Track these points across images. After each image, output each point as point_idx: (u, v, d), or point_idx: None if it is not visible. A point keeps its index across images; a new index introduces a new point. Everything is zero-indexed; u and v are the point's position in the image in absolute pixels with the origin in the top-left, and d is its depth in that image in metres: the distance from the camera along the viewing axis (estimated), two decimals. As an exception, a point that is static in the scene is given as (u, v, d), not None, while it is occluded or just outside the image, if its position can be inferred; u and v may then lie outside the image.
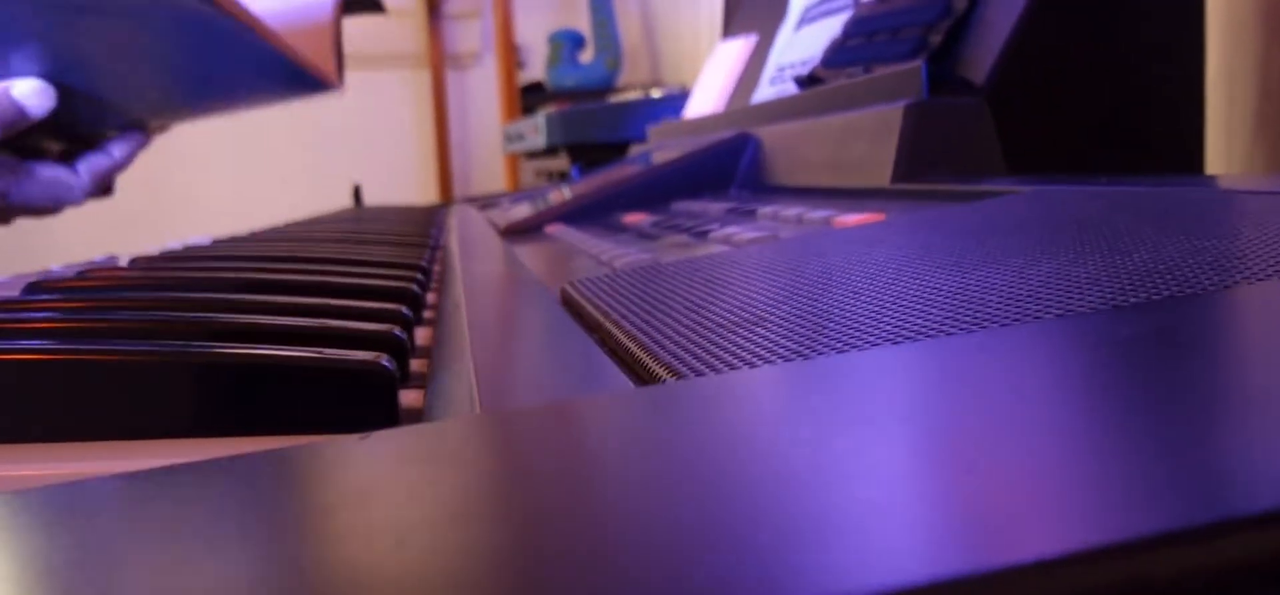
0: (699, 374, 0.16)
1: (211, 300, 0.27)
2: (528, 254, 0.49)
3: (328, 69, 0.67)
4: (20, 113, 0.56)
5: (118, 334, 0.23)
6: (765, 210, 0.44)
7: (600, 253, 0.40)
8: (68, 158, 0.65)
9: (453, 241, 0.59)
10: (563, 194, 0.65)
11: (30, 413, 0.20)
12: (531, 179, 1.73)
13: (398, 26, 2.80)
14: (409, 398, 0.19)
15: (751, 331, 0.19)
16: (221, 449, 0.17)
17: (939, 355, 0.15)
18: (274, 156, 2.38)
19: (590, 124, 1.53)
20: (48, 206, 0.64)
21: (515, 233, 0.61)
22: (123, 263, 0.42)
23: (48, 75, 0.59)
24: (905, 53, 0.53)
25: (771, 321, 0.19)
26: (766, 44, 0.88)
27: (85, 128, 0.65)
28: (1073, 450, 0.10)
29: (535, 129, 1.58)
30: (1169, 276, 0.19)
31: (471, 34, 2.81)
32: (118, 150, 0.66)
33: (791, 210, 0.41)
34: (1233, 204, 0.25)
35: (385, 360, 0.19)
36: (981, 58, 0.47)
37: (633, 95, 1.75)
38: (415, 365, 0.23)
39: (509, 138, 1.74)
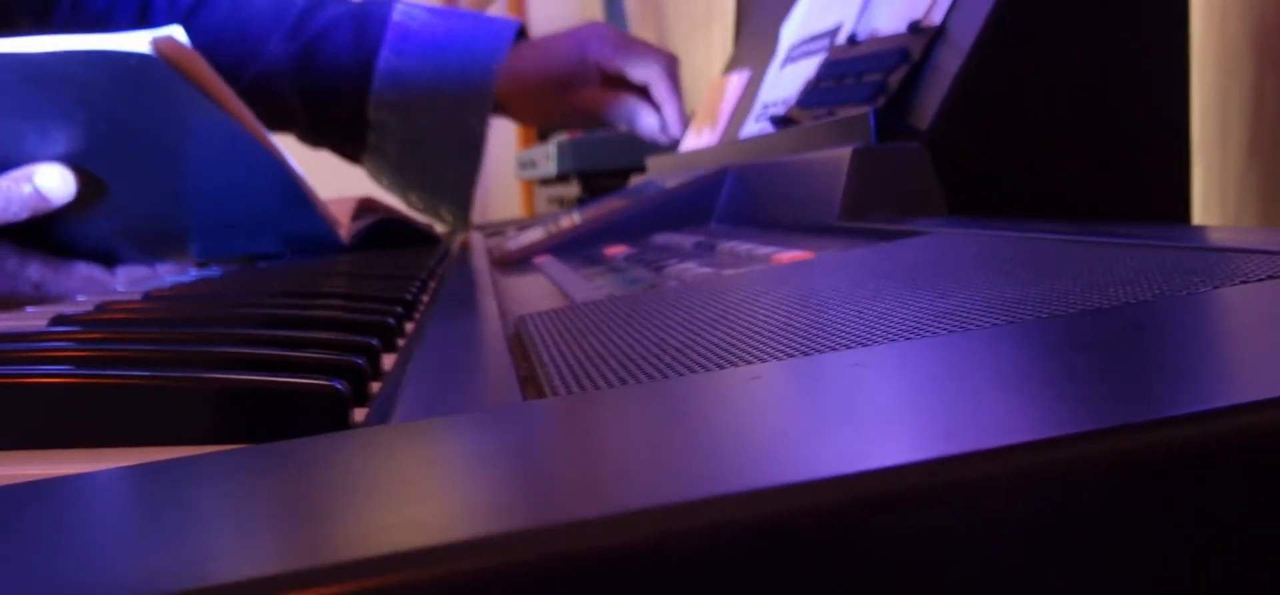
0: (570, 392, 0.20)
1: (207, 333, 0.32)
2: (511, 286, 0.53)
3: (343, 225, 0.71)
4: (40, 198, 0.60)
5: (123, 363, 0.28)
6: (725, 246, 0.48)
7: (568, 287, 0.44)
8: (110, 262, 0.69)
9: (448, 273, 0.63)
10: (554, 227, 0.70)
11: (39, 430, 0.25)
12: (545, 206, 1.77)
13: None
14: (360, 415, 0.24)
15: (639, 359, 0.23)
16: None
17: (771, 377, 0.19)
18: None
19: (601, 152, 1.57)
20: None
21: (505, 264, 0.65)
22: (139, 295, 0.47)
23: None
24: (865, 97, 0.57)
25: (660, 351, 0.23)
26: (758, 80, 0.92)
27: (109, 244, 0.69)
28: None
29: (547, 156, 1.62)
30: (997, 311, 0.23)
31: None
32: (162, 269, 0.70)
33: (743, 246, 0.45)
34: (1124, 255, 0.29)
35: (338, 384, 0.23)
36: (927, 104, 0.51)
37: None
38: (375, 387, 0.27)
39: (522, 164, 1.78)
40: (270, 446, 0.18)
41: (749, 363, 0.20)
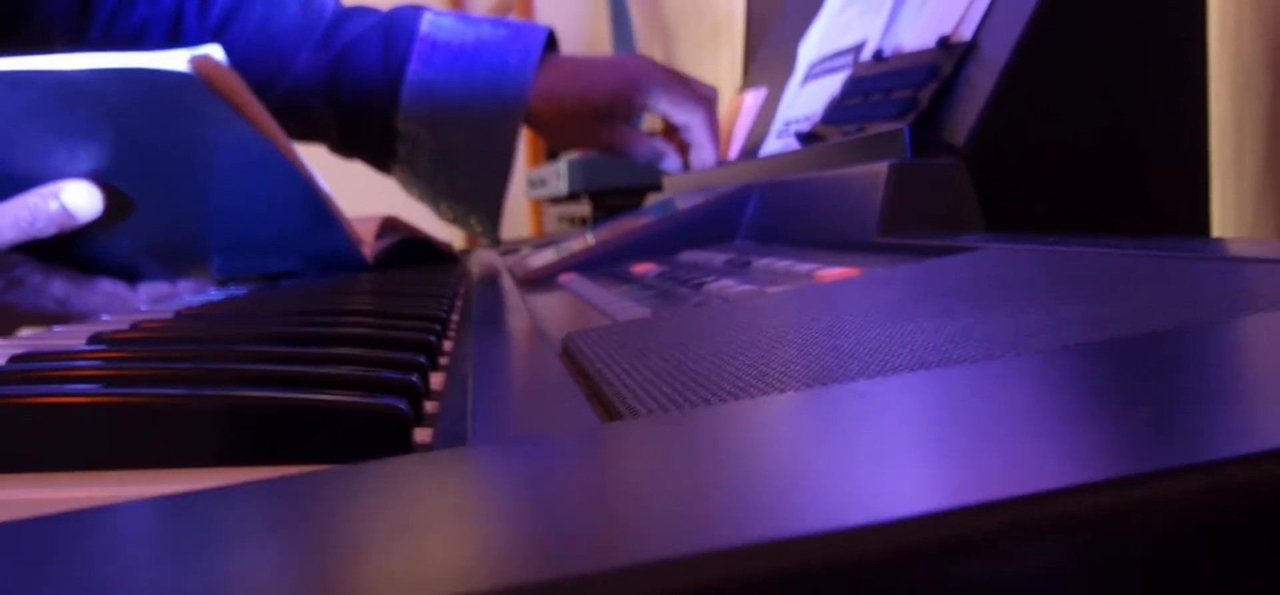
0: (651, 412, 0.19)
1: (247, 351, 0.31)
2: (541, 304, 0.52)
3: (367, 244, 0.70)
4: (67, 215, 0.60)
5: (159, 381, 0.27)
6: (760, 263, 0.48)
7: (605, 305, 0.43)
8: (133, 279, 0.69)
9: (472, 291, 0.63)
10: (577, 244, 0.69)
11: (81, 449, 0.24)
12: (555, 225, 1.77)
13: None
14: (422, 435, 0.23)
15: (708, 378, 0.22)
16: (254, 476, 0.20)
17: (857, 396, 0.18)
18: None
19: (611, 170, 1.57)
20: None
21: (530, 283, 0.64)
22: (170, 313, 0.46)
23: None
24: (895, 113, 0.57)
25: (728, 368, 0.23)
26: (776, 98, 0.92)
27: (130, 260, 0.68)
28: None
29: (557, 175, 1.62)
30: (1050, 333, 0.23)
31: (497, 80, 2.85)
32: (183, 286, 0.70)
33: (781, 263, 0.45)
34: (1177, 268, 0.29)
35: (401, 404, 0.22)
36: (962, 119, 0.50)
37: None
38: (430, 407, 0.26)
39: (532, 183, 1.78)
40: (344, 470, 0.17)
41: (819, 384, 0.19)
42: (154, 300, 0.67)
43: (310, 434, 0.22)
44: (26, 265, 0.62)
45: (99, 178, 0.61)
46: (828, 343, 0.25)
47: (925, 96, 0.56)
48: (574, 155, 1.70)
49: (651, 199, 1.02)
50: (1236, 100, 0.68)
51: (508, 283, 0.69)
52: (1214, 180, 0.60)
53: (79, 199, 0.59)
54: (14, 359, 0.31)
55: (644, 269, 0.58)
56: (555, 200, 1.80)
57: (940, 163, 0.48)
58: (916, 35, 0.65)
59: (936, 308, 0.28)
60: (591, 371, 0.25)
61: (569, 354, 0.30)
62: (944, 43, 0.58)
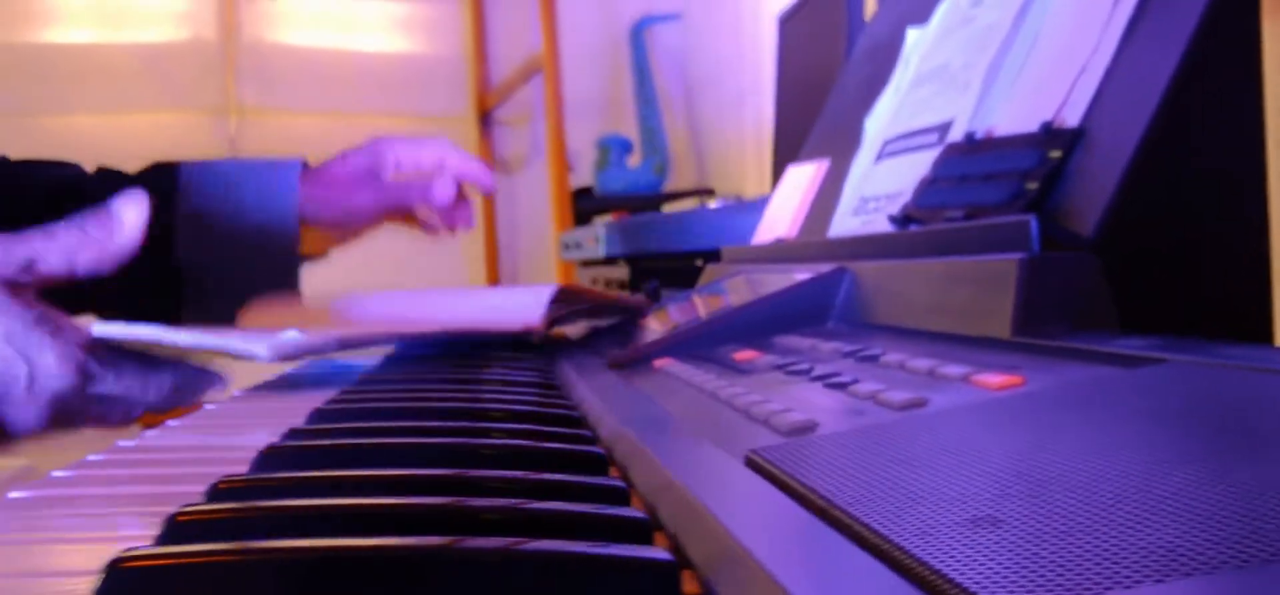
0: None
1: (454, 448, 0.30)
2: (656, 392, 0.51)
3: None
4: (119, 230, 0.58)
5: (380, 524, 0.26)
6: (889, 358, 0.47)
7: (747, 405, 0.42)
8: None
9: (564, 371, 0.62)
10: (660, 324, 0.68)
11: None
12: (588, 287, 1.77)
13: (450, 132, 2.85)
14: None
15: (999, 535, 0.21)
16: None
17: None
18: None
19: (649, 234, 1.57)
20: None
21: (622, 365, 0.63)
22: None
23: None
24: (1003, 199, 0.56)
25: (1012, 523, 0.21)
26: (838, 170, 0.91)
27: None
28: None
29: (594, 238, 1.62)
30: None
31: (521, 140, 2.88)
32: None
33: (919, 362, 0.44)
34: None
35: (665, 554, 0.21)
36: (1087, 209, 0.50)
37: (689, 204, 1.79)
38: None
39: (566, 245, 1.78)
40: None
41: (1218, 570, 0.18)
42: (275, 350, 0.65)
43: (575, 586, 0.21)
44: (93, 363, 0.60)
45: None
46: (1108, 491, 0.24)
47: (1034, 184, 0.55)
48: (611, 218, 1.69)
49: (711, 271, 1.01)
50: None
51: (591, 360, 0.68)
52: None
53: (130, 212, 0.59)
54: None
55: (748, 356, 0.57)
56: (589, 263, 1.80)
57: (1075, 256, 0.47)
58: (1011, 118, 0.64)
59: (1174, 441, 0.26)
60: (831, 509, 0.24)
61: (763, 472, 0.29)
62: (1049, 128, 0.57)
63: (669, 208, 2.19)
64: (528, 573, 0.21)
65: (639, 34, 2.57)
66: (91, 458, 0.43)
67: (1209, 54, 0.50)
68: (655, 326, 0.70)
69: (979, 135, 0.65)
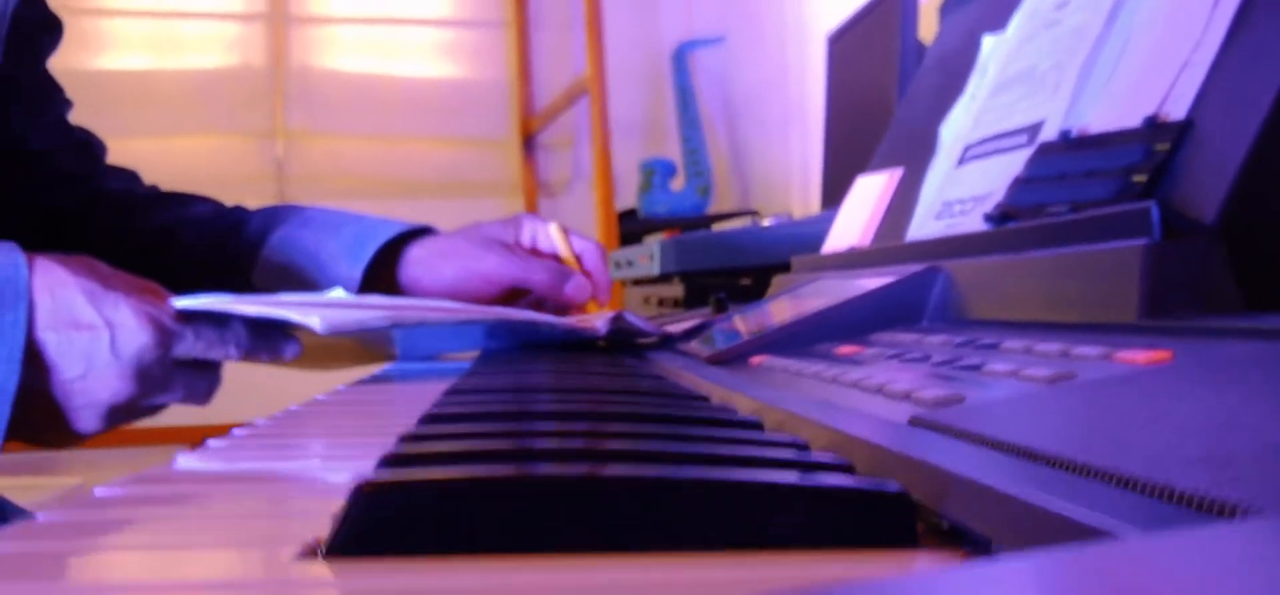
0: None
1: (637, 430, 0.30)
2: (772, 381, 0.51)
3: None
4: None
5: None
6: (1009, 344, 0.46)
7: (879, 384, 0.42)
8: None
9: (659, 366, 0.62)
10: (756, 323, 0.68)
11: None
12: (639, 305, 1.77)
13: (493, 156, 2.87)
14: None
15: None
16: (767, 564, 0.19)
17: None
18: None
19: (703, 251, 1.57)
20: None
21: (720, 361, 0.63)
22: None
23: None
24: (1112, 193, 0.56)
25: (1243, 461, 0.21)
26: (913, 178, 0.91)
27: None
28: None
29: (648, 256, 1.62)
30: None
31: (563, 163, 2.89)
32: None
33: (1045, 346, 0.43)
34: None
35: (895, 485, 0.21)
36: (1205, 197, 0.49)
37: (741, 223, 1.79)
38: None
39: (617, 264, 1.78)
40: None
41: None
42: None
43: (798, 519, 0.21)
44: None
45: None
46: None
47: (1142, 177, 0.55)
48: (664, 236, 1.70)
49: (781, 281, 1.01)
50: None
51: (686, 360, 0.68)
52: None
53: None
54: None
55: (851, 350, 0.57)
56: (640, 281, 1.80)
57: (1197, 241, 0.46)
58: (1105, 115, 0.64)
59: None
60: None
61: (968, 436, 0.29)
62: (1153, 122, 0.57)
63: (717, 228, 2.19)
64: (770, 504, 0.21)
65: (682, 57, 2.58)
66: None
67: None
68: (743, 327, 0.70)
69: (1074, 133, 0.65)
